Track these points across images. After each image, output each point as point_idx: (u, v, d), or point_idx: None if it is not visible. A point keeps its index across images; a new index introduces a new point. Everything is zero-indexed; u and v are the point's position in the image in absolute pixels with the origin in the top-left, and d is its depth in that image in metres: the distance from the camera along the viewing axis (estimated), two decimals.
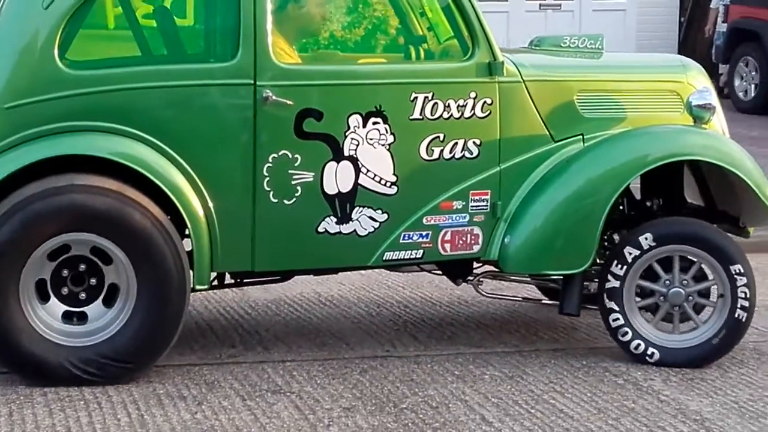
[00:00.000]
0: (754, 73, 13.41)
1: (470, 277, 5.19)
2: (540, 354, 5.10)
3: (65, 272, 4.56)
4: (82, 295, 4.57)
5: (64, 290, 4.56)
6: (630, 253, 4.86)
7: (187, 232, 4.62)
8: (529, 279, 5.36)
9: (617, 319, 4.90)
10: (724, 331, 4.90)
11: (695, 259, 4.94)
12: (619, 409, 4.42)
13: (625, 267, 4.87)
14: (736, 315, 4.89)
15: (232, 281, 5.05)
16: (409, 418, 4.29)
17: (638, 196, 5.38)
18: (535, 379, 4.77)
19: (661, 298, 4.93)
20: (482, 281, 5.22)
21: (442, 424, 4.22)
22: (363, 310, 5.74)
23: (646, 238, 4.87)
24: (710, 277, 4.95)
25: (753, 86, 13.45)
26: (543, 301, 5.65)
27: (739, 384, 4.76)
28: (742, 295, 4.88)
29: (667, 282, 4.91)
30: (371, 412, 4.34)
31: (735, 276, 4.88)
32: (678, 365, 4.88)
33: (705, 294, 5.01)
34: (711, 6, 15.05)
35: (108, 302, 4.58)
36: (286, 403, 4.42)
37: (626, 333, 4.90)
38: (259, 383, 4.62)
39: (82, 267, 4.57)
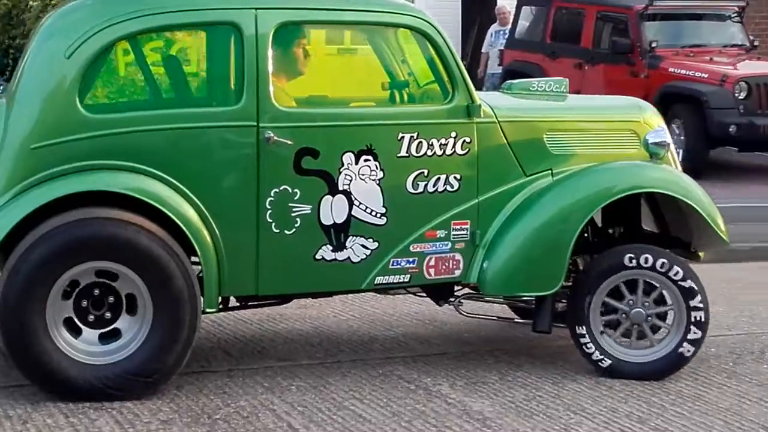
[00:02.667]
0: None
1: (451, 299, 5.68)
2: (341, 365, 5.55)
3: (84, 303, 4.93)
4: (108, 315, 4.95)
5: (90, 317, 4.94)
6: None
7: (196, 259, 5.06)
8: (502, 299, 5.87)
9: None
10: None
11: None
12: (411, 413, 4.90)
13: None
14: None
15: (237, 304, 5.48)
16: (222, 427, 4.67)
17: (600, 225, 5.92)
18: (337, 387, 5.20)
19: (624, 315, 5.45)
20: (462, 302, 5.72)
21: None
22: None
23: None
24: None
25: None
26: (515, 320, 6.15)
27: (516, 385, 5.26)
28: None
29: (631, 302, 5.43)
30: (187, 424, 4.70)
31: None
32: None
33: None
34: (482, 51, 16.49)
35: (131, 311, 4.95)
36: (107, 418, 4.71)
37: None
38: (81, 401, 4.87)
39: (96, 292, 4.94)
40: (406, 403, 5.02)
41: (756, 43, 14.22)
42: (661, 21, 14.14)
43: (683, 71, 13.24)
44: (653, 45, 13.58)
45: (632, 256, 5.37)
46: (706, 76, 12.98)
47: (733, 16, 14.29)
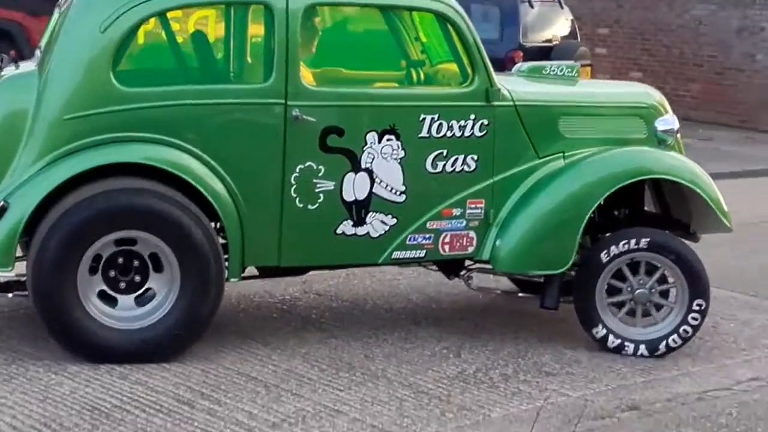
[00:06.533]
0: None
1: (462, 273, 5.90)
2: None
3: (112, 273, 5.09)
4: (137, 278, 5.10)
5: (122, 285, 5.10)
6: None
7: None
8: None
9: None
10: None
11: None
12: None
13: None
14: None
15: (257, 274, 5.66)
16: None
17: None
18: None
19: (629, 292, 5.64)
20: (471, 277, 5.94)
21: None
22: None
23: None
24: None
25: None
26: (520, 294, 6.38)
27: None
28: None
29: (640, 282, 5.64)
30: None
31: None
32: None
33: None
34: None
35: (157, 269, 5.10)
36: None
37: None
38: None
39: (120, 260, 5.08)
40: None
41: None
42: None
43: None
44: None
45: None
46: None
47: None
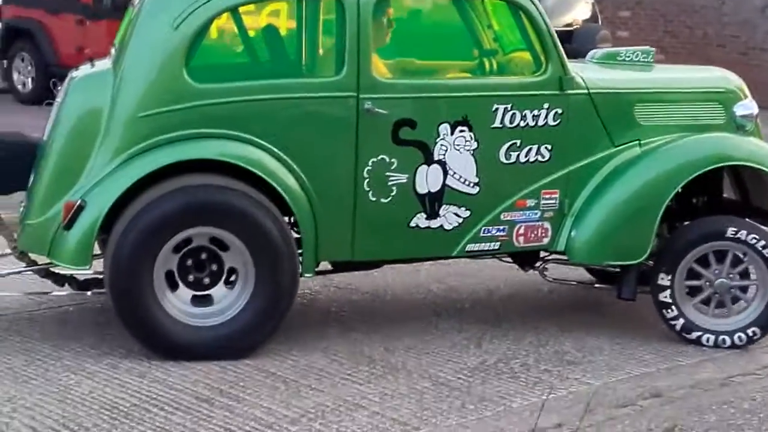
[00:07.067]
0: (30, 67, 14.28)
1: (537, 264, 5.84)
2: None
3: (189, 262, 5.12)
4: (206, 280, 5.13)
5: (190, 277, 5.13)
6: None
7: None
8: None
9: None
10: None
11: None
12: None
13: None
14: None
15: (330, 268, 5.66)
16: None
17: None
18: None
19: (707, 283, 5.55)
20: (547, 268, 5.88)
21: None
22: None
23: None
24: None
25: (30, 79, 14.29)
26: (596, 285, 6.31)
27: (14, 351, 5.17)
28: None
29: (717, 272, 5.54)
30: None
31: None
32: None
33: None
34: None
35: (229, 283, 5.14)
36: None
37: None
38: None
39: (203, 255, 5.11)
40: None
41: None
42: None
43: None
44: None
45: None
46: None
47: None
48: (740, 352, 5.50)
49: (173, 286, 5.13)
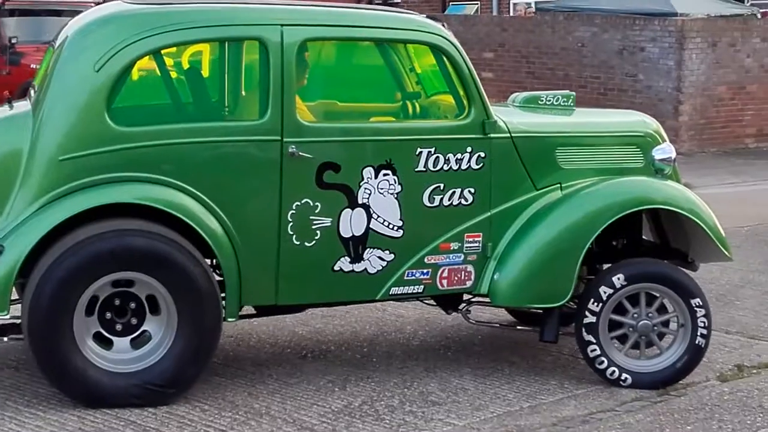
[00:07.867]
0: None
1: (460, 307, 5.85)
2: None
3: (108, 315, 5.04)
4: (134, 320, 5.05)
5: (118, 327, 5.05)
6: (605, 292, 5.56)
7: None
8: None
9: (594, 350, 5.58)
10: (686, 357, 5.63)
11: (658, 295, 5.64)
12: None
13: (600, 304, 5.55)
14: (697, 342, 5.63)
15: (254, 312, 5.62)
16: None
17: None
18: None
19: (631, 329, 5.62)
20: (470, 311, 5.89)
21: None
22: None
23: (618, 279, 5.55)
24: (670, 309, 5.66)
25: None
26: (518, 327, 6.34)
27: None
28: (702, 324, 5.61)
29: (635, 315, 5.62)
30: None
31: (695, 308, 5.60)
32: (647, 388, 5.55)
33: (666, 324, 5.71)
34: None
35: (154, 311, 5.06)
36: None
37: (602, 362, 5.58)
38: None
39: (117, 301, 5.03)
40: None
41: None
42: (20, 17, 14.35)
43: None
44: (13, 41, 13.74)
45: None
46: None
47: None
48: (601, 388, 5.56)
49: (108, 344, 5.06)
